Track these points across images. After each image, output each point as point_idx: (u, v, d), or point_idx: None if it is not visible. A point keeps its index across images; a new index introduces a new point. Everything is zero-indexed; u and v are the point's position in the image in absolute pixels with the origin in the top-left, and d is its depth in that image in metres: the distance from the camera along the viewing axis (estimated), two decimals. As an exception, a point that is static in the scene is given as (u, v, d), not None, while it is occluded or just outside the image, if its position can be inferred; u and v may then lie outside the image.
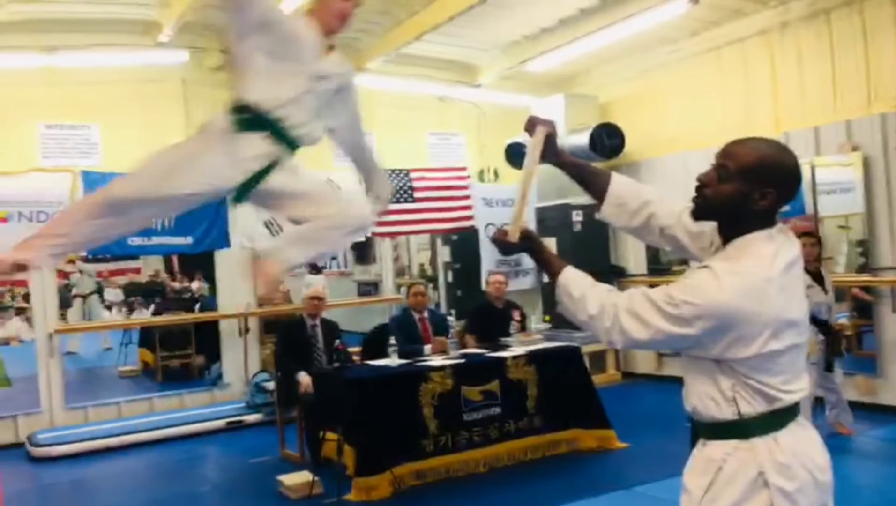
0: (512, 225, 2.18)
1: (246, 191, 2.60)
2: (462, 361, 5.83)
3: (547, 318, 8.71)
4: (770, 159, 1.93)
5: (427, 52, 8.28)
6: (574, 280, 2.03)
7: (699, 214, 2.01)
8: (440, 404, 5.49)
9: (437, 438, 5.45)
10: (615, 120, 8.80)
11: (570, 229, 8.91)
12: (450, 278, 9.78)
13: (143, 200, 2.59)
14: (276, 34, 2.55)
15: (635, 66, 8.81)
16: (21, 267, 2.47)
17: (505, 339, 6.50)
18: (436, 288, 9.97)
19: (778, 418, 1.89)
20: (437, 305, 9.60)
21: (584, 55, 8.38)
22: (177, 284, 14.14)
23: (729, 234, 1.97)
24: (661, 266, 9.03)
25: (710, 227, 2.06)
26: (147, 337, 10.60)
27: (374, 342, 6.59)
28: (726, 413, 1.90)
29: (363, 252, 11.76)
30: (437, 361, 5.83)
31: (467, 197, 9.13)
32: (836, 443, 5.24)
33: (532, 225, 8.38)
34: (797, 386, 1.92)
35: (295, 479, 5.29)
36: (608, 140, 8.58)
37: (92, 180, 7.40)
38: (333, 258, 12.38)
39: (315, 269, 12.05)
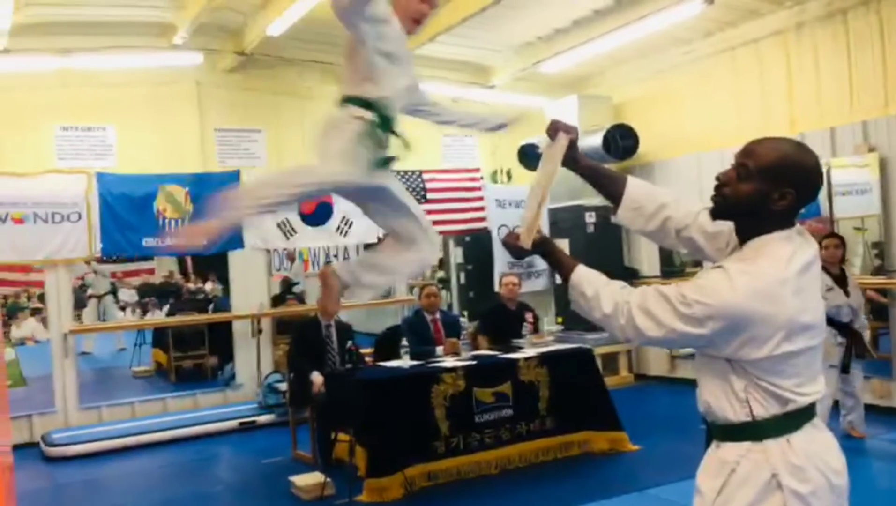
0: (524, 230, 2.17)
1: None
2: (474, 362, 5.82)
3: (559, 319, 8.69)
4: (790, 159, 1.91)
5: (440, 53, 8.28)
6: (587, 279, 2.03)
7: (718, 213, 2.00)
8: (452, 406, 5.48)
9: (449, 439, 5.45)
10: (629, 121, 8.77)
11: (583, 231, 8.88)
12: (462, 280, 9.78)
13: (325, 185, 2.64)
14: (388, 34, 2.54)
15: (649, 67, 8.77)
16: (228, 227, 2.45)
17: (517, 340, 6.48)
18: (448, 289, 9.97)
19: (792, 421, 1.87)
20: (450, 306, 9.60)
21: (598, 56, 8.36)
22: (192, 286, 14.22)
23: (746, 234, 1.95)
24: (675, 268, 8.99)
25: (727, 227, 2.04)
26: (161, 337, 10.65)
27: (387, 344, 6.59)
28: (739, 415, 1.88)
29: (375, 254, 11.76)
30: (449, 362, 5.82)
31: (480, 198, 9.12)
32: (850, 446, 5.19)
33: (545, 227, 8.36)
34: (812, 389, 1.90)
35: (307, 480, 5.29)
36: (622, 141, 8.55)
37: (107, 182, 7.48)
38: (346, 259, 12.43)
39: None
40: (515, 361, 5.87)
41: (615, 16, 7.44)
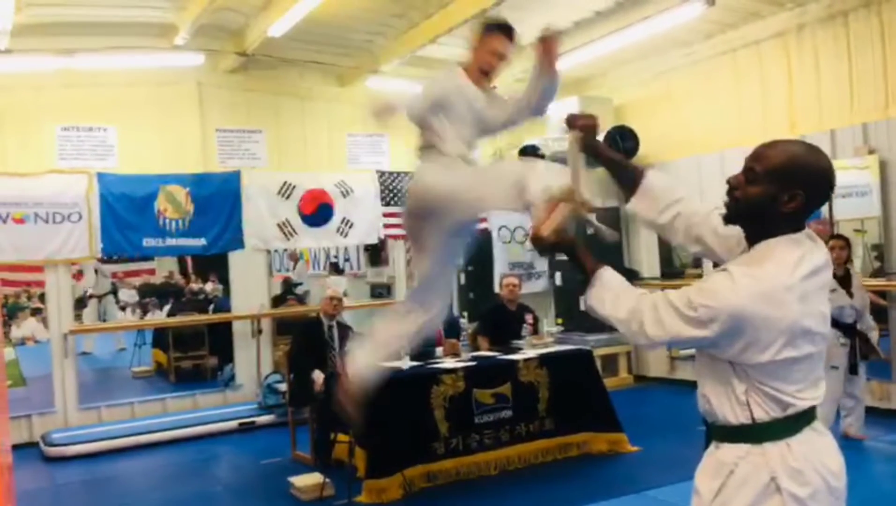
0: (547, 221, 2.17)
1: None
2: (474, 363, 5.83)
3: (559, 321, 8.69)
4: (798, 160, 1.90)
5: (442, 54, 8.27)
6: (609, 283, 2.05)
7: (730, 217, 2.00)
8: (451, 407, 5.48)
9: (449, 440, 5.45)
10: (630, 122, 8.77)
11: (583, 231, 8.85)
12: (462, 280, 9.78)
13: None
14: (446, 105, 2.92)
15: (650, 69, 8.77)
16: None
17: (517, 341, 6.48)
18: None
19: (792, 424, 1.87)
20: (450, 307, 9.59)
21: (599, 58, 8.35)
22: (195, 286, 14.21)
23: (756, 237, 1.94)
24: (675, 270, 8.99)
25: (737, 229, 2.04)
26: (161, 338, 10.65)
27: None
28: (739, 417, 1.89)
29: (376, 254, 11.78)
30: (448, 363, 5.83)
31: (480, 199, 9.10)
32: (849, 447, 5.19)
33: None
34: (813, 394, 1.90)
35: (306, 480, 5.30)
36: (623, 143, 8.55)
37: (107, 182, 7.48)
38: (347, 259, 12.44)
39: (337, 270, 12.11)
40: (515, 362, 5.87)
41: (616, 17, 7.44)
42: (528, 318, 6.80)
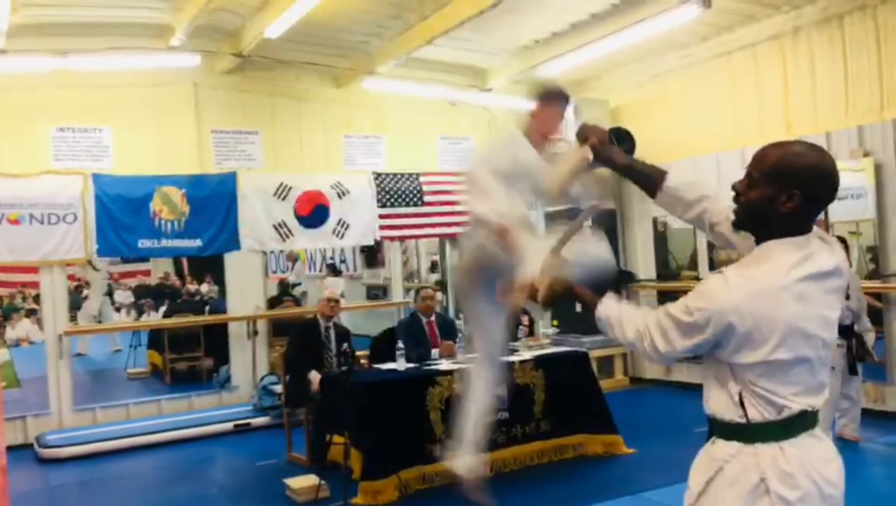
0: (545, 269, 2.25)
1: None
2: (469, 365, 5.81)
3: (555, 322, 8.69)
4: (794, 159, 1.90)
5: (438, 56, 8.28)
6: (610, 311, 2.09)
7: (738, 223, 2.02)
8: (447, 409, 5.46)
9: (444, 442, 5.43)
10: (626, 125, 8.77)
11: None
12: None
13: None
14: (510, 178, 3.12)
15: (646, 71, 8.78)
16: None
17: (512, 343, 6.47)
18: (444, 292, 9.97)
19: (787, 428, 1.87)
20: (446, 308, 9.60)
21: (595, 60, 8.35)
22: (191, 287, 14.20)
23: (762, 240, 1.95)
24: (671, 271, 9.00)
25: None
26: (156, 339, 10.64)
27: (382, 346, 6.59)
28: (734, 416, 1.90)
29: (372, 256, 11.78)
30: (444, 365, 5.82)
31: (477, 201, 9.09)
32: (844, 449, 5.20)
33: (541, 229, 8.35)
34: (812, 400, 1.89)
35: (301, 482, 5.29)
36: (619, 145, 8.53)
37: (103, 183, 7.47)
38: (342, 261, 12.44)
39: (334, 271, 12.11)
40: (511, 363, 5.85)
41: (612, 20, 7.44)
42: (524, 319, 6.80)
